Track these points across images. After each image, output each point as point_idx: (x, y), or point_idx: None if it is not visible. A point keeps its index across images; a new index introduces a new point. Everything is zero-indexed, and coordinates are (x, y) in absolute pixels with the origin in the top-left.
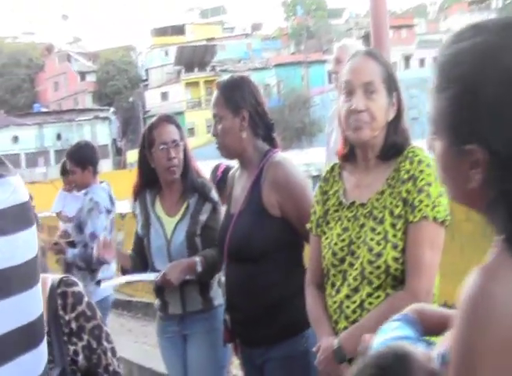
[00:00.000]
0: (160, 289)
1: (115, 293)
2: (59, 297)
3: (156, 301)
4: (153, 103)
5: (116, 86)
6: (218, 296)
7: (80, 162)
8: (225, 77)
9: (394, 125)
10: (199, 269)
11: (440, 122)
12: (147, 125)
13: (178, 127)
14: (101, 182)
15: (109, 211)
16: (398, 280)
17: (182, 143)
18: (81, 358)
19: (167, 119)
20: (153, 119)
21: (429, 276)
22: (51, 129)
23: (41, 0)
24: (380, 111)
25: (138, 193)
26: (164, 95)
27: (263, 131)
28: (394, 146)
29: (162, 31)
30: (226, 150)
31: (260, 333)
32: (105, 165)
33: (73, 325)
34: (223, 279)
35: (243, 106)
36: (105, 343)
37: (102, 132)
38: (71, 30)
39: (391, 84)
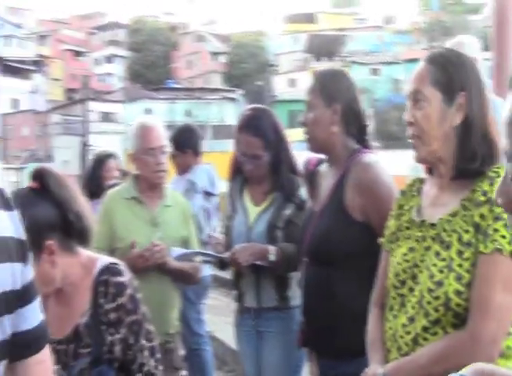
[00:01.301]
0: (237, 279)
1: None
2: (101, 284)
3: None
4: (281, 88)
5: (245, 69)
6: (296, 296)
7: (179, 145)
8: (324, 67)
9: (464, 135)
10: (271, 257)
11: None
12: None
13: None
14: (206, 164)
15: (208, 194)
16: (460, 318)
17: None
18: (117, 350)
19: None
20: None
21: (497, 320)
22: (181, 105)
23: None
24: (427, 120)
25: (232, 177)
26: (292, 82)
27: (356, 131)
28: (466, 162)
29: (294, 18)
30: (314, 143)
31: (334, 344)
32: (230, 145)
33: (112, 316)
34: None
35: (336, 99)
36: (143, 341)
37: (229, 113)
38: (207, 13)
39: (453, 86)
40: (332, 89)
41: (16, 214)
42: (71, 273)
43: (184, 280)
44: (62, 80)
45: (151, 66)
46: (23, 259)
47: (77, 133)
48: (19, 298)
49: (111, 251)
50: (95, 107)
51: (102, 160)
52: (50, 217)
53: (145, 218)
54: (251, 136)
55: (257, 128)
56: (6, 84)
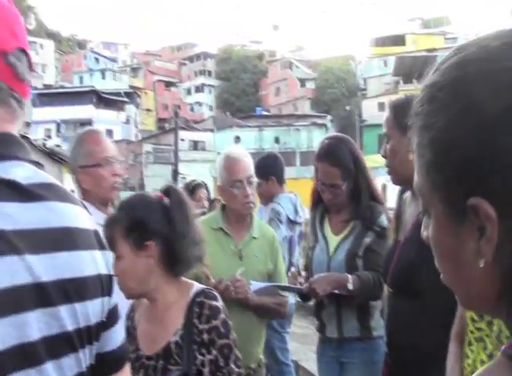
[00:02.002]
0: (319, 309)
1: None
2: (196, 305)
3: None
4: (370, 112)
5: (334, 94)
6: (379, 327)
7: (262, 174)
8: (399, 96)
9: None
10: (350, 286)
11: (429, 177)
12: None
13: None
14: (290, 193)
15: (292, 222)
16: None
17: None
18: (206, 371)
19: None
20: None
21: None
22: (270, 132)
23: (261, 12)
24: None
25: (313, 206)
26: (381, 106)
27: None
28: None
29: (382, 41)
30: (394, 174)
31: None
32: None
33: (205, 336)
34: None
35: None
36: (232, 365)
37: (317, 138)
38: (294, 39)
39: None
40: (405, 118)
41: (107, 252)
42: (167, 292)
43: (269, 315)
44: (153, 110)
45: (240, 94)
46: (109, 293)
47: (168, 162)
48: (104, 326)
49: (196, 280)
50: (186, 136)
51: (192, 189)
52: (159, 224)
53: (230, 250)
54: (329, 166)
55: (336, 157)
56: (102, 116)
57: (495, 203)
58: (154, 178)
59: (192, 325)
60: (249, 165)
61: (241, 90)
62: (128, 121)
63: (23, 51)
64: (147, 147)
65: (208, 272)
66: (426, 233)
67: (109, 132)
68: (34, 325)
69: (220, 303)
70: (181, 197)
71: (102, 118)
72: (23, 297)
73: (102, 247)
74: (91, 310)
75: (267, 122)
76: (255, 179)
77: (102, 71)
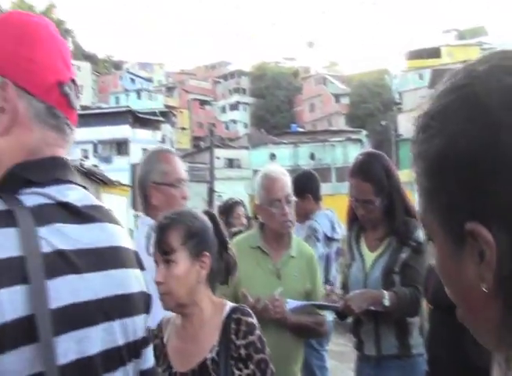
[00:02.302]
0: (357, 326)
1: None
2: (233, 322)
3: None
4: (406, 126)
5: (369, 109)
6: (419, 345)
7: (298, 192)
8: None
9: None
10: (386, 302)
11: (427, 204)
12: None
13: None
14: (326, 209)
15: (330, 239)
16: None
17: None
18: None
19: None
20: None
21: None
22: (305, 149)
23: (294, 27)
24: None
25: (349, 224)
26: None
27: None
28: None
29: (417, 54)
30: None
31: None
32: None
33: (242, 352)
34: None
35: None
36: None
37: (353, 154)
38: (328, 55)
39: None
40: None
41: (144, 272)
42: (205, 308)
43: (308, 334)
44: (189, 129)
45: (274, 111)
46: (148, 311)
47: (203, 180)
48: (145, 343)
49: (234, 298)
50: (221, 154)
51: (231, 207)
52: (212, 238)
53: (268, 269)
54: (362, 181)
55: (368, 172)
56: (137, 136)
57: (493, 227)
58: (190, 197)
59: (229, 341)
60: (287, 184)
61: (275, 107)
62: (163, 140)
63: (73, 81)
64: None
65: (247, 291)
66: (434, 260)
67: (145, 152)
68: (94, 340)
69: (255, 320)
70: (218, 222)
71: (138, 138)
72: (84, 313)
73: (141, 267)
74: (138, 325)
75: (302, 138)
76: (293, 198)
77: (138, 91)
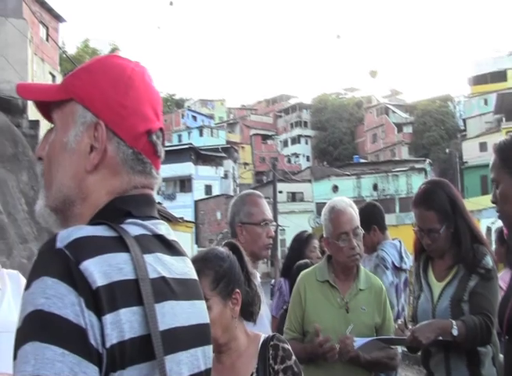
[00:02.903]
0: (426, 358)
1: None
2: (271, 348)
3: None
4: (471, 153)
5: (432, 137)
6: (492, 375)
7: (364, 224)
8: (504, 137)
9: None
10: (454, 332)
11: None
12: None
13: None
14: (393, 239)
15: (398, 269)
16: None
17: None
18: None
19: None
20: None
21: None
22: (368, 180)
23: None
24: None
25: (417, 254)
26: (482, 146)
27: None
28: None
29: (481, 79)
30: (505, 219)
31: None
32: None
33: None
34: (501, 357)
35: None
36: None
37: (417, 184)
38: (390, 84)
39: None
40: None
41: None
42: (241, 339)
43: (380, 369)
44: (251, 164)
45: (336, 143)
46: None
47: None
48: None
49: (303, 334)
50: (284, 188)
51: (306, 239)
52: (239, 273)
53: (337, 302)
54: (425, 210)
55: (431, 201)
56: (200, 172)
57: None
58: None
59: (267, 366)
60: (354, 216)
61: (337, 139)
62: (226, 176)
63: (161, 129)
64: None
65: (320, 328)
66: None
67: (209, 188)
68: (185, 364)
69: (289, 346)
70: (242, 252)
71: (201, 174)
72: (180, 338)
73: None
74: (210, 354)
75: (364, 170)
76: (361, 230)
77: (200, 128)
